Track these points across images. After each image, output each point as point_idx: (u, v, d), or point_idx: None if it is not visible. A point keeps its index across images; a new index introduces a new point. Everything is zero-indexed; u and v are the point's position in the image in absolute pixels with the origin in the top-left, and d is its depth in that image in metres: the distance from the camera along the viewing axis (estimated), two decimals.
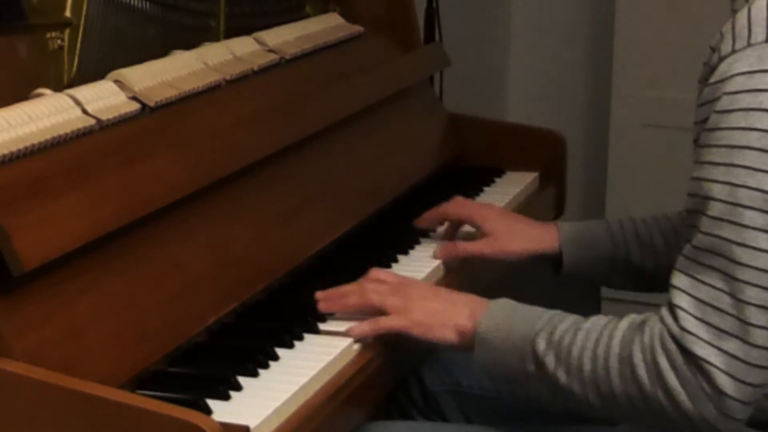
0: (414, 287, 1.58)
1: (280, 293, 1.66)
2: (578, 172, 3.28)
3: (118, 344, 1.38)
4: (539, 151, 2.29)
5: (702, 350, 1.29)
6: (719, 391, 1.28)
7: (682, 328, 1.30)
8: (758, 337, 1.28)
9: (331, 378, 1.45)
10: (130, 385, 1.37)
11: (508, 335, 1.44)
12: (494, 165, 2.29)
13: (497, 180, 2.24)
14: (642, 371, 1.32)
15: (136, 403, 1.22)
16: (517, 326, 1.44)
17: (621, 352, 1.34)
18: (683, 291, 1.31)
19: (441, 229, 1.92)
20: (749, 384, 1.29)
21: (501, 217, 1.84)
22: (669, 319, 1.32)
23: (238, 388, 1.37)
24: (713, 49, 1.35)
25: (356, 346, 1.52)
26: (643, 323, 1.35)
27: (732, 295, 1.28)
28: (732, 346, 1.28)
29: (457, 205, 1.87)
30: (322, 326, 1.56)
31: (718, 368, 1.28)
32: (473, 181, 2.20)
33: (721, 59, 1.33)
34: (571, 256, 1.75)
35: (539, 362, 1.40)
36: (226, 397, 1.35)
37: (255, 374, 1.41)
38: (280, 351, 1.47)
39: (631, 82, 3.34)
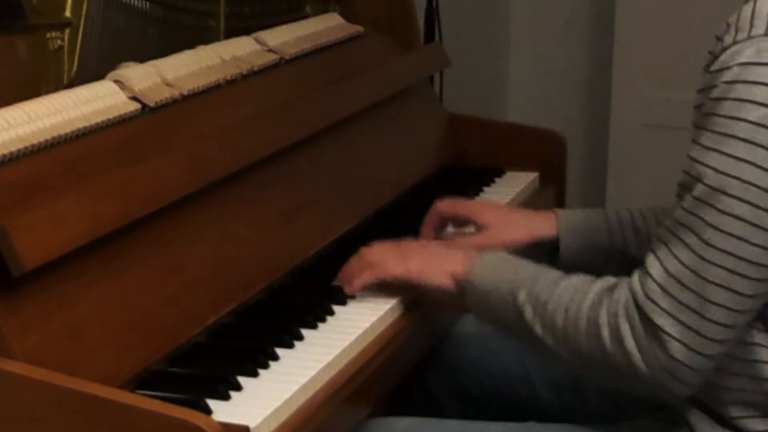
0: (411, 243, 1.68)
1: (280, 293, 1.66)
2: (578, 172, 3.28)
3: (118, 344, 1.38)
4: (539, 151, 2.29)
5: (660, 319, 1.35)
6: (671, 358, 1.35)
7: (647, 296, 1.36)
8: (715, 313, 1.34)
9: (331, 378, 1.45)
10: (130, 385, 1.37)
11: (496, 283, 1.51)
12: (494, 165, 2.29)
13: (497, 180, 2.24)
14: (605, 333, 1.39)
15: (136, 403, 1.22)
16: (504, 275, 1.51)
17: (589, 312, 1.41)
18: (657, 259, 1.37)
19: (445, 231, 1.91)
20: (701, 353, 1.35)
21: (494, 208, 1.86)
22: (637, 285, 1.38)
23: (238, 388, 1.37)
24: (718, 39, 1.38)
25: (356, 346, 1.53)
26: (613, 286, 1.42)
27: (696, 273, 1.34)
28: (688, 318, 1.34)
29: (448, 203, 1.87)
30: (322, 326, 1.56)
31: (672, 337, 1.35)
32: (473, 181, 2.20)
33: (723, 49, 1.36)
34: (568, 244, 1.76)
35: (519, 313, 1.47)
36: (226, 397, 1.35)
37: (255, 374, 1.41)
38: (280, 351, 1.47)
39: (631, 82, 3.34)
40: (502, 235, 1.78)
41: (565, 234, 1.77)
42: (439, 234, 1.87)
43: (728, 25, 1.37)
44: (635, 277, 1.39)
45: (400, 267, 1.61)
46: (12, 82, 1.53)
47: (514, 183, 2.22)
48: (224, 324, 1.55)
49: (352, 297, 1.65)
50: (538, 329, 1.45)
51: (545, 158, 2.29)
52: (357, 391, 1.47)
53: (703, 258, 1.33)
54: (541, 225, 1.79)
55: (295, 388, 1.38)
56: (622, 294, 1.39)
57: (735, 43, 1.34)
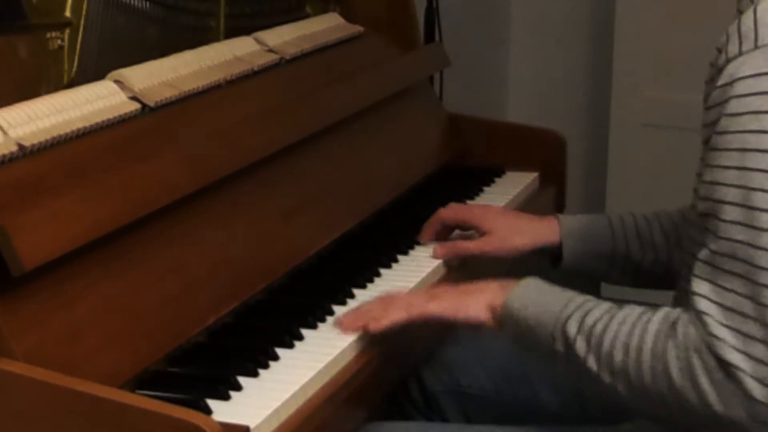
0: (440, 286, 1.62)
1: (280, 293, 1.66)
2: (578, 172, 3.28)
3: (118, 344, 1.38)
4: (539, 151, 2.29)
5: (731, 355, 1.28)
6: (750, 397, 1.28)
7: (710, 334, 1.29)
8: None
9: (331, 378, 1.45)
10: (130, 385, 1.37)
11: (540, 314, 1.44)
12: (494, 165, 2.29)
13: (497, 180, 2.24)
14: (675, 369, 1.32)
15: (136, 403, 1.22)
16: (549, 305, 1.44)
17: (654, 347, 1.34)
18: (705, 297, 1.31)
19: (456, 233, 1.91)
20: None
21: (498, 214, 1.85)
22: (698, 324, 1.31)
23: (238, 388, 1.37)
24: (719, 50, 1.35)
25: (356, 346, 1.53)
26: (676, 321, 1.34)
27: (754, 300, 1.27)
28: (759, 351, 1.27)
29: (452, 210, 1.87)
30: (322, 326, 1.56)
31: (746, 373, 1.27)
32: (473, 181, 2.20)
33: (728, 61, 1.32)
34: (571, 250, 1.75)
35: (569, 345, 1.40)
36: (226, 397, 1.35)
37: (255, 374, 1.41)
38: (280, 351, 1.47)
39: (631, 82, 3.34)
40: (505, 242, 1.77)
41: (568, 239, 1.75)
42: (441, 240, 1.86)
43: (728, 36, 1.33)
44: (692, 315, 1.32)
45: (432, 305, 1.53)
46: (12, 82, 1.53)
47: (514, 183, 2.22)
48: (224, 324, 1.55)
49: (352, 297, 1.65)
50: (592, 363, 1.38)
51: (545, 158, 2.29)
52: (357, 391, 1.47)
53: (757, 282, 1.26)
54: (545, 231, 1.77)
55: (295, 388, 1.38)
56: (689, 329, 1.31)
57: (741, 53, 1.31)
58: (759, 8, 1.32)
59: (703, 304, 1.30)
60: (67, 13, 1.63)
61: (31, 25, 1.56)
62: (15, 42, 1.54)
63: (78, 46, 1.63)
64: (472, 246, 1.79)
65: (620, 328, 1.37)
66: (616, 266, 1.75)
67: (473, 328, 1.53)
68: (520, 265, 1.82)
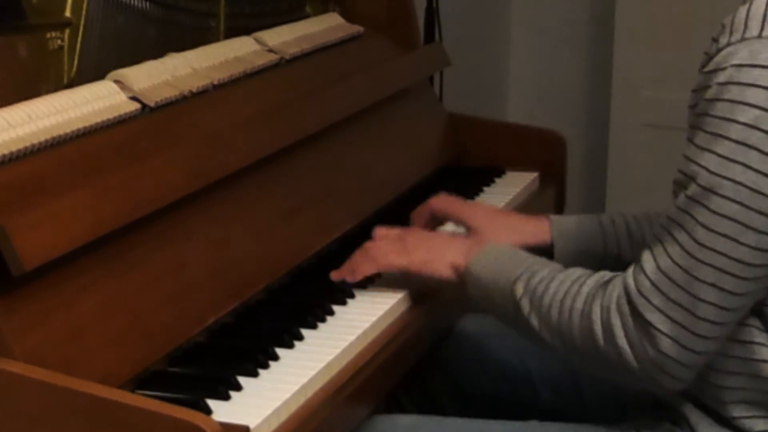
0: (415, 232, 1.71)
1: (280, 293, 1.66)
2: (578, 172, 3.29)
3: (118, 344, 1.38)
4: (539, 151, 2.30)
5: (652, 315, 1.37)
6: (661, 353, 1.37)
7: (639, 292, 1.38)
8: (705, 311, 1.35)
9: (331, 378, 1.45)
10: (130, 385, 1.37)
11: (496, 275, 1.53)
12: (494, 165, 2.29)
13: (497, 180, 2.24)
14: (597, 328, 1.41)
15: (136, 403, 1.22)
16: (503, 268, 1.53)
17: (583, 307, 1.43)
18: (652, 255, 1.39)
19: (441, 229, 1.92)
20: (691, 350, 1.37)
21: (488, 212, 1.85)
22: (630, 279, 1.40)
23: (238, 388, 1.37)
24: (714, 40, 1.39)
25: (356, 346, 1.53)
26: (607, 282, 1.43)
27: (687, 271, 1.35)
28: (679, 315, 1.36)
29: (443, 202, 1.86)
30: (322, 326, 1.56)
31: (663, 333, 1.36)
32: (473, 181, 2.20)
33: (718, 50, 1.36)
34: (563, 250, 1.76)
35: (516, 305, 1.49)
36: (226, 397, 1.35)
37: (255, 374, 1.41)
38: (280, 351, 1.47)
39: (631, 82, 3.34)
40: (494, 241, 1.77)
41: (560, 239, 1.76)
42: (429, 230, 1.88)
43: (723, 26, 1.37)
44: (629, 272, 1.41)
45: (402, 258, 1.63)
46: (12, 82, 1.53)
47: (514, 183, 2.22)
48: (224, 324, 1.55)
49: (352, 297, 1.65)
50: (535, 322, 1.47)
51: (545, 158, 2.29)
52: (357, 391, 1.47)
53: (693, 256, 1.35)
54: (535, 231, 1.78)
55: (295, 388, 1.38)
56: (615, 289, 1.41)
57: (729, 44, 1.35)
58: (755, 2, 1.36)
59: (646, 261, 1.39)
60: (67, 13, 1.63)
61: (31, 25, 1.56)
62: (15, 42, 1.54)
63: (78, 46, 1.64)
64: None
65: (558, 288, 1.46)
66: (607, 266, 1.74)
67: (438, 284, 1.63)
68: None
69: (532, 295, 1.48)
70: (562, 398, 1.75)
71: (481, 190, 2.18)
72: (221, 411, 1.31)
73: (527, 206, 2.16)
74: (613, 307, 1.40)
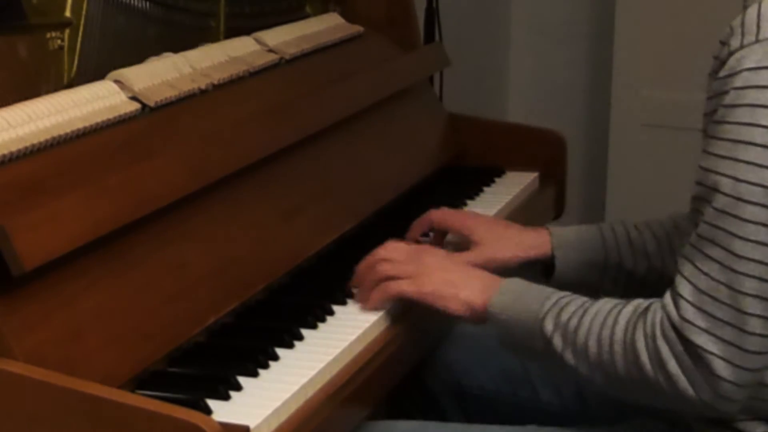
0: (430, 255, 1.63)
1: (280, 293, 1.66)
2: (578, 172, 3.29)
3: (118, 344, 1.38)
4: (539, 151, 2.29)
5: (700, 338, 1.32)
6: (716, 377, 1.32)
7: (682, 317, 1.34)
8: (754, 325, 1.31)
9: (331, 378, 1.45)
10: (130, 385, 1.37)
11: (518, 314, 1.48)
12: (494, 165, 2.29)
13: (497, 180, 2.24)
14: (644, 357, 1.36)
15: (136, 403, 1.22)
16: (527, 305, 1.48)
17: (624, 337, 1.38)
18: (686, 279, 1.35)
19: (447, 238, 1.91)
20: (745, 368, 1.33)
21: (489, 225, 1.82)
22: (670, 307, 1.35)
23: (238, 388, 1.37)
24: (723, 43, 1.37)
25: (356, 346, 1.53)
26: (646, 310, 1.39)
27: (729, 286, 1.31)
28: (728, 333, 1.32)
29: (443, 215, 1.85)
30: (322, 326, 1.56)
31: (715, 355, 1.32)
32: (473, 181, 2.20)
33: (731, 54, 1.34)
34: (564, 261, 1.75)
35: (547, 342, 1.45)
36: (226, 397, 1.35)
37: (255, 374, 1.41)
38: (280, 351, 1.47)
39: (631, 82, 3.34)
40: (495, 254, 1.75)
41: (560, 250, 1.75)
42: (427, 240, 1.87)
43: (732, 29, 1.35)
44: (667, 298, 1.37)
45: (412, 287, 1.57)
46: (12, 82, 1.53)
47: (514, 183, 2.22)
48: (224, 324, 1.55)
49: (352, 297, 1.64)
50: (569, 357, 1.43)
51: (545, 158, 2.29)
52: (357, 391, 1.47)
53: (734, 270, 1.31)
54: (535, 243, 1.76)
55: (295, 388, 1.38)
56: (657, 316, 1.36)
57: (742, 47, 1.33)
58: (764, 3, 1.34)
59: (681, 286, 1.35)
60: (67, 13, 1.63)
61: (31, 25, 1.56)
62: (15, 42, 1.54)
63: (78, 46, 1.64)
64: (462, 258, 1.77)
65: (593, 321, 1.41)
66: (609, 276, 1.74)
67: (452, 317, 1.57)
68: (512, 276, 1.81)
69: (564, 330, 1.43)
70: (562, 399, 1.74)
71: (481, 190, 2.17)
72: (221, 411, 1.31)
73: (527, 206, 2.16)
74: (659, 334, 1.35)
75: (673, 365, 1.34)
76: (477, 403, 1.78)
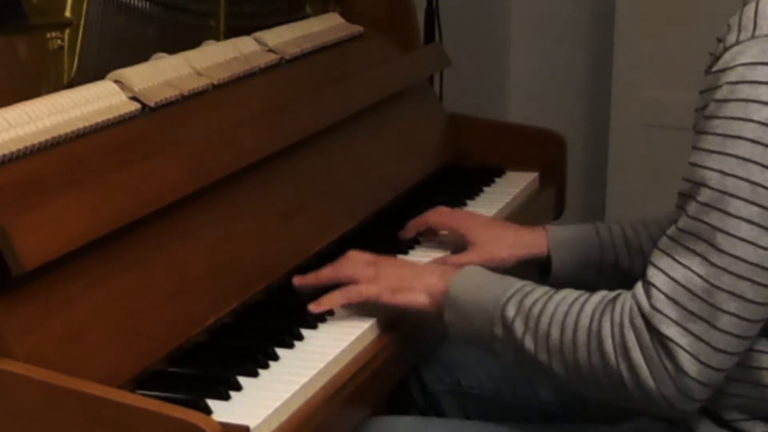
0: (387, 259, 1.63)
1: (280, 293, 1.66)
2: (578, 172, 3.28)
3: (118, 344, 1.38)
4: (539, 151, 2.29)
5: (669, 329, 1.31)
6: (681, 371, 1.31)
7: (653, 307, 1.33)
8: (725, 322, 1.31)
9: (331, 378, 1.45)
10: (130, 385, 1.37)
11: (479, 298, 1.47)
12: (494, 165, 2.29)
13: (497, 180, 2.24)
14: (608, 345, 1.35)
15: (136, 403, 1.22)
16: (488, 290, 1.47)
17: (590, 324, 1.37)
18: (660, 270, 1.34)
19: (441, 232, 1.91)
20: (711, 367, 1.32)
21: (486, 225, 1.83)
22: (641, 296, 1.34)
23: (238, 388, 1.37)
24: (719, 40, 1.37)
25: (356, 346, 1.53)
26: (615, 299, 1.38)
27: (706, 280, 1.31)
28: (698, 328, 1.31)
29: (440, 215, 1.86)
30: (322, 326, 1.56)
31: (682, 348, 1.31)
32: (473, 181, 2.20)
33: (726, 49, 1.34)
34: (560, 261, 1.75)
35: (507, 327, 1.43)
36: (226, 397, 1.35)
37: (255, 374, 1.41)
38: (280, 351, 1.47)
39: (631, 82, 3.34)
40: (492, 253, 1.76)
41: (557, 250, 1.75)
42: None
43: (729, 26, 1.35)
44: (638, 288, 1.36)
45: (371, 288, 1.56)
46: (12, 82, 1.53)
47: (514, 183, 2.22)
48: (224, 324, 1.55)
49: None
50: (529, 343, 1.41)
51: (545, 158, 2.29)
52: (357, 391, 1.47)
53: (712, 264, 1.30)
54: (532, 242, 1.77)
55: (295, 388, 1.38)
56: (626, 305, 1.35)
57: (738, 43, 1.33)
58: (762, 1, 1.34)
59: (655, 276, 1.34)
60: (67, 13, 1.63)
61: (31, 25, 1.56)
62: (15, 42, 1.54)
63: (78, 46, 1.64)
64: (460, 259, 1.77)
65: (557, 308, 1.40)
66: (605, 276, 1.74)
67: (412, 311, 1.55)
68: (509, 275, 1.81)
69: (527, 315, 1.41)
70: (561, 398, 1.74)
71: (481, 190, 2.18)
72: (221, 411, 1.31)
73: (527, 206, 2.16)
74: (626, 322, 1.34)
75: (637, 355, 1.33)
76: (477, 403, 1.78)
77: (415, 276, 1.55)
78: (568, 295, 1.42)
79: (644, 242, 1.73)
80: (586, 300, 1.40)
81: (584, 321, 1.38)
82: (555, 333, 1.39)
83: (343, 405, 1.44)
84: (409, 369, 1.74)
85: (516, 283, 1.47)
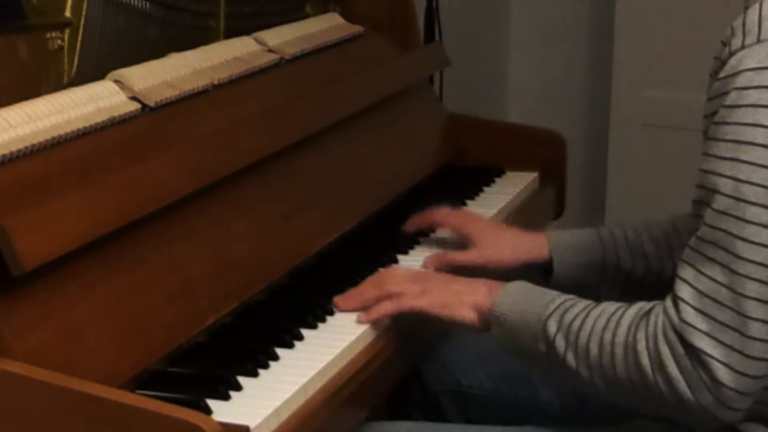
0: (432, 275, 1.64)
1: (280, 293, 1.66)
2: (578, 172, 3.28)
3: (118, 344, 1.38)
4: (539, 151, 2.29)
5: (701, 342, 1.31)
6: (717, 382, 1.31)
7: (682, 320, 1.32)
8: (756, 329, 1.30)
9: (331, 378, 1.45)
10: (130, 385, 1.37)
11: (523, 315, 1.47)
12: (494, 165, 2.29)
13: (497, 180, 2.24)
14: (645, 359, 1.35)
15: (136, 403, 1.22)
16: (531, 307, 1.47)
17: (626, 339, 1.37)
18: (686, 282, 1.34)
19: (441, 230, 1.92)
20: (747, 375, 1.31)
21: (490, 226, 1.84)
22: (671, 310, 1.34)
23: (238, 388, 1.37)
24: (724, 44, 1.36)
25: (356, 346, 1.53)
26: (649, 311, 1.37)
27: (731, 289, 1.30)
28: (730, 337, 1.30)
29: (444, 215, 1.86)
30: (322, 326, 1.56)
31: (716, 359, 1.30)
32: (473, 181, 2.20)
33: (732, 54, 1.33)
34: (562, 263, 1.75)
35: (549, 343, 1.44)
36: (226, 397, 1.35)
37: (255, 374, 1.41)
38: (280, 351, 1.47)
39: (631, 82, 3.34)
40: (494, 255, 1.77)
41: (558, 253, 1.75)
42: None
43: (733, 30, 1.35)
44: (668, 301, 1.35)
45: (421, 300, 1.56)
46: (12, 82, 1.53)
47: (514, 183, 2.22)
48: (224, 324, 1.55)
49: None
50: (571, 359, 1.41)
51: (545, 158, 2.29)
52: (357, 391, 1.47)
53: (736, 272, 1.30)
54: (534, 246, 1.77)
55: (295, 388, 1.38)
56: (659, 319, 1.35)
57: (744, 47, 1.32)
58: (765, 4, 1.34)
59: (681, 289, 1.34)
60: (67, 13, 1.62)
61: (31, 25, 1.56)
62: (15, 42, 1.54)
63: (78, 46, 1.63)
64: (462, 258, 1.78)
65: (596, 323, 1.40)
66: (607, 278, 1.75)
67: (458, 325, 1.57)
68: (510, 278, 1.81)
69: (567, 332, 1.42)
70: (562, 399, 1.74)
71: (481, 190, 2.18)
72: (221, 411, 1.31)
73: (527, 206, 2.16)
74: (660, 336, 1.34)
75: (673, 368, 1.33)
76: (477, 403, 1.78)
77: (464, 291, 1.55)
78: (607, 308, 1.42)
79: (646, 244, 1.73)
80: (623, 314, 1.39)
81: (621, 336, 1.38)
82: (594, 349, 1.40)
83: (343, 405, 1.44)
84: (409, 369, 1.74)
85: (557, 299, 1.47)
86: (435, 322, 1.59)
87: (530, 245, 1.78)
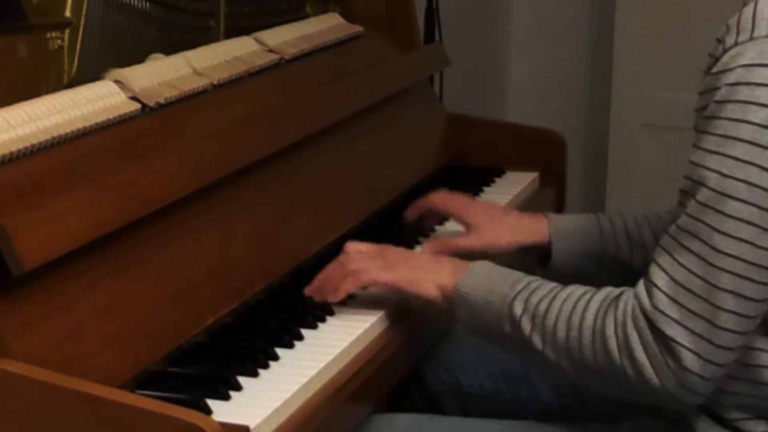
0: (394, 250, 1.63)
1: (280, 293, 1.66)
2: (578, 172, 3.29)
3: (118, 344, 1.38)
4: (539, 151, 2.30)
5: (671, 329, 1.33)
6: (684, 369, 1.33)
7: (655, 307, 1.34)
8: (726, 320, 1.32)
9: (331, 378, 1.45)
10: (130, 385, 1.37)
11: (488, 295, 1.48)
12: (494, 165, 2.29)
13: (497, 180, 2.24)
14: (613, 344, 1.37)
15: (136, 403, 1.22)
16: (496, 287, 1.48)
17: (594, 323, 1.39)
18: (662, 269, 1.35)
19: (441, 229, 1.92)
20: (713, 362, 1.34)
21: (488, 210, 1.85)
22: (643, 296, 1.36)
23: (238, 388, 1.37)
24: (718, 41, 1.37)
25: (356, 346, 1.53)
26: (618, 297, 1.39)
27: (705, 280, 1.32)
28: (700, 326, 1.33)
29: (443, 198, 1.87)
30: (322, 326, 1.56)
31: (684, 347, 1.33)
32: (473, 181, 2.20)
33: (725, 51, 1.35)
34: (561, 249, 1.75)
35: (515, 324, 1.45)
36: (226, 397, 1.35)
37: (255, 374, 1.41)
38: (280, 351, 1.47)
39: (631, 82, 3.35)
40: (494, 239, 1.77)
41: (558, 239, 1.76)
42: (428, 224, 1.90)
43: (728, 27, 1.36)
44: (640, 287, 1.37)
45: (386, 275, 1.57)
46: (12, 82, 1.53)
47: (514, 183, 2.22)
48: (224, 324, 1.55)
49: (352, 296, 1.64)
50: (537, 341, 1.43)
51: (545, 158, 2.29)
52: (357, 390, 1.47)
53: (711, 264, 1.32)
54: (534, 230, 1.78)
55: (295, 388, 1.38)
56: (629, 304, 1.37)
57: (737, 44, 1.33)
58: (761, 2, 1.35)
59: (656, 276, 1.36)
60: (67, 13, 1.62)
61: (31, 25, 1.56)
62: (15, 42, 1.54)
63: (78, 46, 1.63)
64: (461, 242, 1.79)
65: (563, 306, 1.42)
66: (605, 267, 1.75)
67: (421, 302, 1.56)
68: (509, 263, 1.81)
69: (533, 313, 1.43)
70: (562, 399, 1.75)
71: (481, 190, 2.18)
72: (221, 411, 1.31)
73: (527, 206, 2.16)
74: (629, 321, 1.36)
75: (640, 353, 1.35)
76: (477, 403, 1.78)
77: (428, 268, 1.56)
78: (574, 291, 1.43)
79: (645, 234, 1.73)
80: (591, 298, 1.41)
81: (589, 320, 1.39)
82: (561, 331, 1.41)
83: (343, 405, 1.44)
84: (409, 368, 1.74)
85: (523, 280, 1.48)
86: (435, 323, 1.59)
87: (530, 228, 1.78)
